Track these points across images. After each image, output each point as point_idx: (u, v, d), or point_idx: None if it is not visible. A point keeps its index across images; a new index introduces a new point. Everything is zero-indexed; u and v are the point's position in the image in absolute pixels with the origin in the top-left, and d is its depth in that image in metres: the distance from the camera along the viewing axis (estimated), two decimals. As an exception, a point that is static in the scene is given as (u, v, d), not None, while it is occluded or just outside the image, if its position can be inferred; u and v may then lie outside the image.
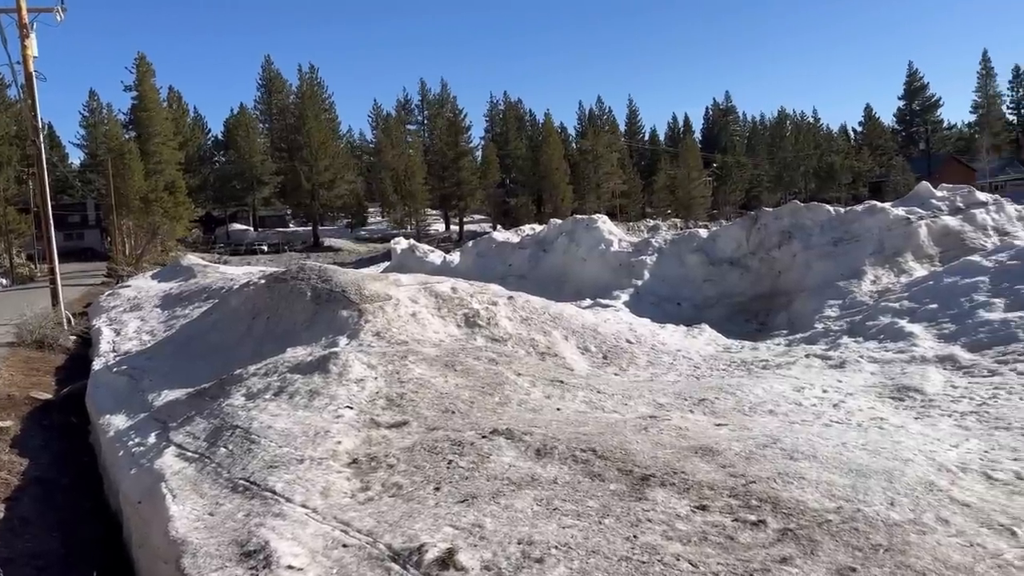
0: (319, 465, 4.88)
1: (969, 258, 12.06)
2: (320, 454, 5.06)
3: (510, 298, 10.60)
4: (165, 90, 71.46)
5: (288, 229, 75.83)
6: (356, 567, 3.53)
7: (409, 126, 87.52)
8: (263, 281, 11.72)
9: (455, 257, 23.29)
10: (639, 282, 16.64)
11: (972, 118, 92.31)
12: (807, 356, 9.74)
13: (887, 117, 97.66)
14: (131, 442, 6.47)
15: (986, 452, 5.27)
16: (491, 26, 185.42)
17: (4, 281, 36.56)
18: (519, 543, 3.60)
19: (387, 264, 27.35)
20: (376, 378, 6.73)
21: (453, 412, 6.06)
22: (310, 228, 71.76)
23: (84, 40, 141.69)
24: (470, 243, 24.51)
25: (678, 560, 3.41)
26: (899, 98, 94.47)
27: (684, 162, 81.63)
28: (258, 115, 77.65)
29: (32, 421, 8.90)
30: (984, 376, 7.77)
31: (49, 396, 10.16)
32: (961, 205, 15.50)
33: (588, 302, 15.23)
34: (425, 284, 10.74)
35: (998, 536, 3.73)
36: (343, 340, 8.61)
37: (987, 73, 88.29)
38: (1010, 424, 6.03)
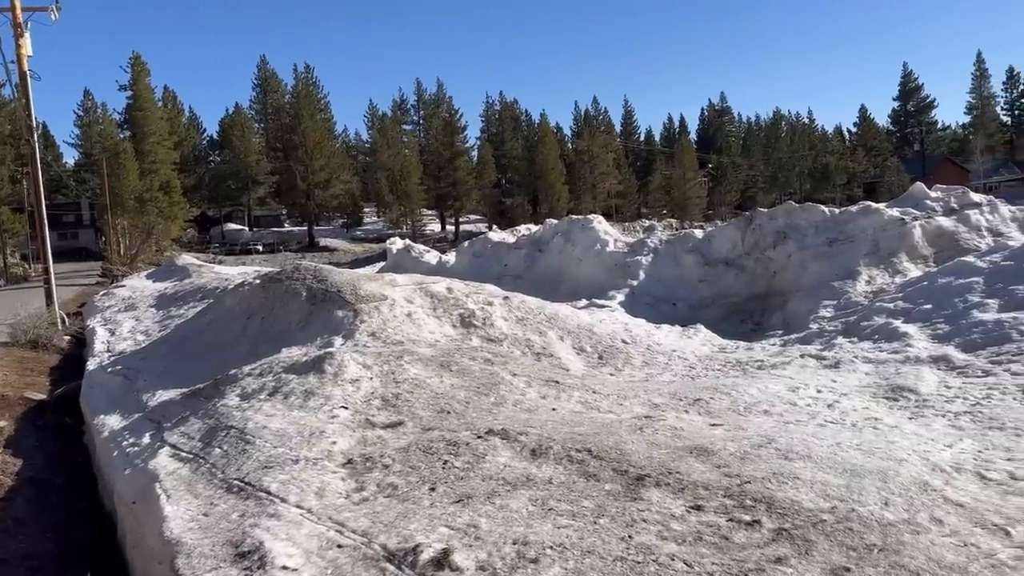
0: (314, 465, 4.87)
1: (963, 259, 12.10)
2: (315, 454, 5.05)
3: (506, 298, 10.60)
4: (160, 90, 71.47)
5: (283, 229, 75.73)
6: (351, 567, 3.52)
7: (405, 126, 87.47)
8: (258, 281, 11.69)
9: (451, 257, 23.26)
10: (635, 282, 16.64)
11: (966, 119, 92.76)
12: (802, 356, 9.76)
13: (882, 118, 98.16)
14: (125, 442, 6.45)
15: (980, 452, 5.28)
16: (486, 27, 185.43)
17: (-2, 281, 36.44)
18: (514, 543, 3.60)
19: (383, 264, 27.30)
20: (371, 378, 6.72)
21: (448, 412, 6.06)
22: (305, 228, 71.65)
23: (79, 39, 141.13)
24: (466, 243, 24.48)
25: (673, 560, 3.42)
26: (894, 99, 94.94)
27: (680, 162, 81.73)
28: (253, 115, 77.52)
29: (26, 421, 8.87)
30: (978, 376, 7.79)
31: (43, 396, 10.13)
32: (955, 206, 15.55)
33: (584, 302, 15.23)
34: (421, 284, 10.74)
35: (992, 536, 3.74)
36: (338, 340, 8.60)
37: (981, 74, 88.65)
38: (1004, 424, 6.05)
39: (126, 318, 14.81)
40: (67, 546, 5.82)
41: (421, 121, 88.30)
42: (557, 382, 7.38)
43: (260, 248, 64.69)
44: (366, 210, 79.94)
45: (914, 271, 13.62)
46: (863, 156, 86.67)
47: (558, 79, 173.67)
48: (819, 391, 7.51)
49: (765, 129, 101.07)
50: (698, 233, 18.75)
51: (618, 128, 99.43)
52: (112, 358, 11.16)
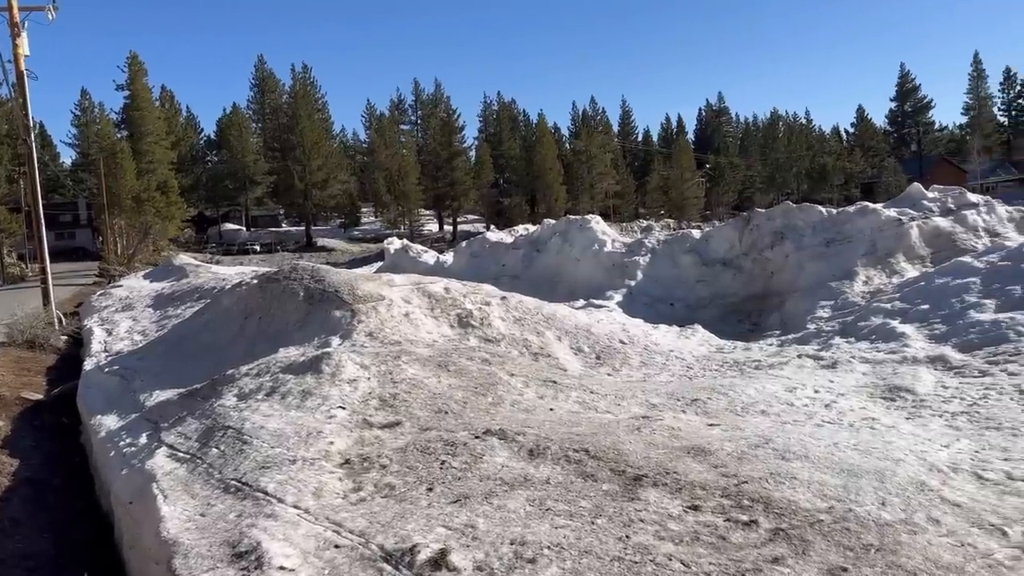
0: (311, 466, 4.87)
1: (960, 259, 12.12)
2: (312, 455, 5.05)
3: (503, 298, 10.60)
4: (157, 89, 71.39)
5: (281, 229, 75.61)
6: (348, 568, 3.52)
7: (403, 126, 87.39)
8: (255, 281, 11.68)
9: (448, 257, 23.26)
10: (632, 282, 16.65)
11: (963, 120, 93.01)
12: (799, 356, 9.76)
13: (879, 118, 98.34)
14: (122, 442, 6.44)
15: (977, 452, 5.29)
16: (484, 27, 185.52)
17: (-6, 281, 36.37)
18: (512, 543, 3.60)
19: (380, 264, 27.29)
20: (369, 378, 6.72)
21: (446, 412, 6.06)
22: (303, 228, 71.56)
23: (76, 39, 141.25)
24: (464, 243, 24.48)
25: (670, 560, 3.42)
26: (891, 99, 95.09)
27: (677, 163, 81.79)
28: (251, 115, 77.43)
29: (23, 421, 8.86)
30: (975, 376, 7.81)
31: (40, 396, 10.11)
32: (952, 206, 15.58)
33: (581, 302, 15.24)
34: (418, 284, 10.74)
35: (988, 536, 3.75)
36: (336, 340, 8.59)
37: (978, 75, 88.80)
38: (1000, 424, 6.07)
39: (123, 318, 14.78)
40: (64, 546, 5.81)
41: (419, 121, 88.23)
42: (555, 382, 7.38)
43: (257, 248, 64.61)
44: (364, 210, 79.89)
45: (911, 271, 13.64)
46: (860, 156, 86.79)
47: (556, 79, 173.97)
48: (816, 391, 7.52)
49: (762, 129, 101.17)
50: (696, 233, 18.76)
51: (616, 128, 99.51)
52: (109, 358, 11.14)
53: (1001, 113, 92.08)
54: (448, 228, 76.42)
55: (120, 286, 21.20)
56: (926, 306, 10.63)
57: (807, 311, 12.98)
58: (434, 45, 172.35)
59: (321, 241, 70.16)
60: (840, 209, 17.04)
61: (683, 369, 9.34)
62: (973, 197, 16.23)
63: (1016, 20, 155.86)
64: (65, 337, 15.29)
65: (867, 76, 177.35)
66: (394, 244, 26.46)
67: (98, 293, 20.89)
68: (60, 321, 16.58)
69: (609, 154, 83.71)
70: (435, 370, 7.15)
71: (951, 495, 4.28)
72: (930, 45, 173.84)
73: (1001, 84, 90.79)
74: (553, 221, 21.92)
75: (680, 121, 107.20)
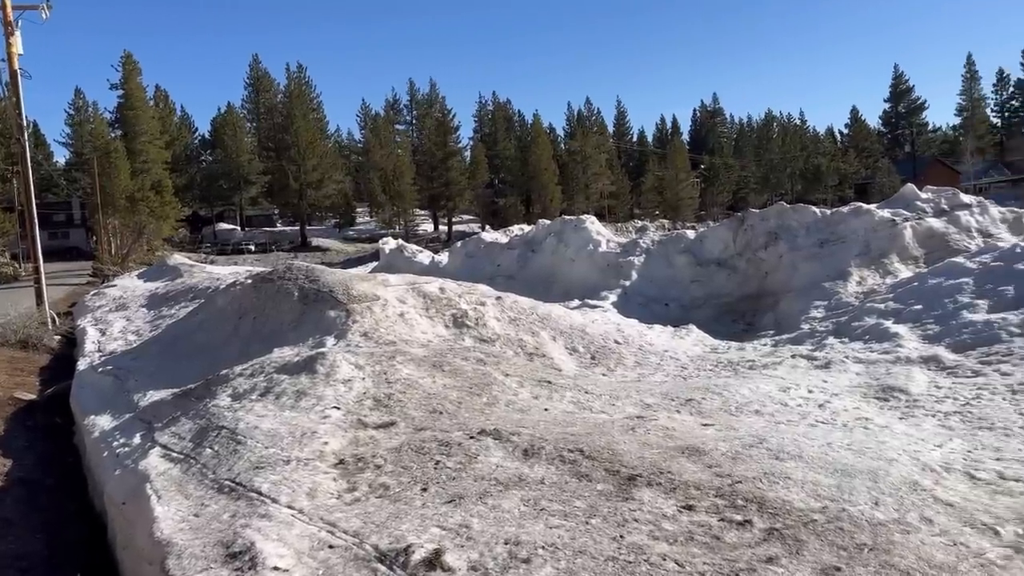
0: (305, 466, 4.86)
1: (953, 260, 12.17)
2: (307, 455, 5.04)
3: (498, 298, 10.60)
4: (152, 89, 71.15)
5: (275, 229, 75.48)
6: (342, 568, 3.52)
7: (398, 126, 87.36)
8: (250, 281, 11.65)
9: (443, 257, 23.26)
10: (627, 283, 16.67)
11: (957, 121, 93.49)
12: (793, 356, 9.79)
13: (873, 119, 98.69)
14: (116, 443, 6.43)
15: (969, 452, 5.32)
16: (479, 27, 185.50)
17: (-12, 280, 36.19)
18: (506, 543, 3.60)
19: (375, 264, 27.28)
20: (363, 378, 6.71)
21: (441, 413, 6.05)
22: (298, 228, 71.45)
23: (70, 38, 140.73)
24: (459, 243, 24.49)
25: (664, 560, 3.43)
26: (885, 100, 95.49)
27: (672, 163, 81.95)
28: (245, 114, 77.31)
29: (16, 422, 8.83)
30: (968, 377, 7.84)
31: (33, 396, 10.07)
32: (945, 207, 15.64)
33: (576, 303, 15.25)
34: (413, 284, 10.72)
35: (981, 535, 3.76)
36: (330, 340, 8.58)
37: (971, 76, 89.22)
38: (993, 424, 6.09)
39: (117, 318, 14.74)
40: (57, 547, 5.79)
41: (414, 121, 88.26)
42: (549, 382, 7.39)
43: (252, 248, 64.44)
44: (359, 210, 79.84)
45: (905, 272, 13.69)
46: (854, 157, 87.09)
47: (551, 80, 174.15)
48: (810, 391, 7.54)
49: (757, 130, 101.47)
50: (690, 234, 18.79)
51: (611, 129, 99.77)
52: (103, 358, 11.11)
53: (994, 114, 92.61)
54: (443, 228, 76.39)
55: (114, 286, 21.13)
56: (919, 306, 10.66)
57: (801, 311, 13.02)
58: (429, 45, 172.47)
59: (316, 241, 70.07)
60: (834, 210, 17.09)
61: (677, 369, 9.35)
62: (966, 198, 16.30)
63: (1009, 22, 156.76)
64: (59, 337, 15.23)
65: (861, 77, 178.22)
66: (389, 244, 26.47)
67: (92, 293, 20.82)
68: (54, 321, 16.53)
69: (604, 154, 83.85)
70: (430, 370, 7.15)
71: (944, 495, 4.30)
72: (924, 46, 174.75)
73: (994, 85, 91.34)
74: (548, 221, 21.93)
75: (675, 122, 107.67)
